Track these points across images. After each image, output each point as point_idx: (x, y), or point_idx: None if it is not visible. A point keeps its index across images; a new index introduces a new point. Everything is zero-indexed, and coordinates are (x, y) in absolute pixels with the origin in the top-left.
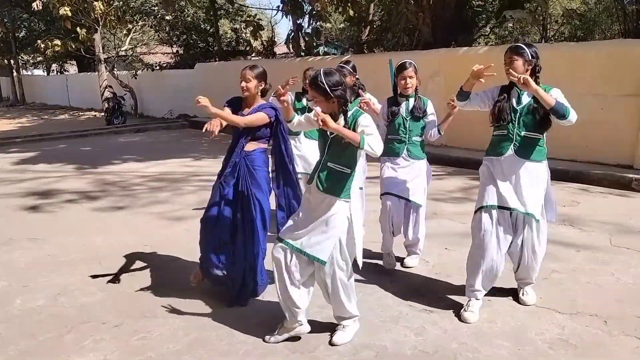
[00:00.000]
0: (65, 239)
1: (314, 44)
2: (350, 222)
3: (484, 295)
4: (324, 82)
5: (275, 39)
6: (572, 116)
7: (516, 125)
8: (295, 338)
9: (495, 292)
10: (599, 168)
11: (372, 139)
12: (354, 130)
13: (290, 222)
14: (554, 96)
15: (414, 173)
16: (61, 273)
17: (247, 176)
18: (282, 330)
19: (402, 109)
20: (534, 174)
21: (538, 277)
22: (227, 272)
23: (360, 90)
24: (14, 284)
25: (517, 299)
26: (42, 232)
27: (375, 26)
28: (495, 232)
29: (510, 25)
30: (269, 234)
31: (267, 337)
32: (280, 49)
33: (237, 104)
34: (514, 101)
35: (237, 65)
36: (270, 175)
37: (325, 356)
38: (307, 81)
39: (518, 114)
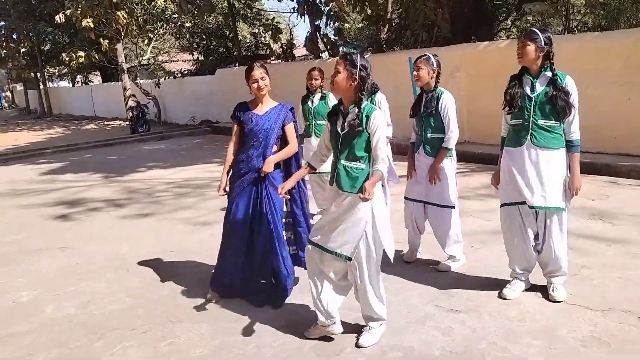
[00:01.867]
0: (93, 247)
1: (336, 44)
2: (373, 215)
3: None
4: (357, 59)
5: (295, 42)
6: (579, 135)
7: (531, 114)
8: (326, 339)
9: (523, 290)
10: (628, 159)
11: (382, 166)
12: (367, 126)
13: (318, 222)
14: (569, 86)
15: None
16: (90, 281)
17: (264, 182)
18: (315, 330)
19: (422, 104)
20: (553, 162)
21: (568, 273)
22: (250, 277)
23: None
24: (44, 293)
25: (546, 296)
26: (70, 241)
27: (393, 24)
28: (518, 226)
29: (531, 17)
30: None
31: (306, 332)
32: (300, 51)
33: (245, 106)
34: (527, 89)
35: None
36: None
37: (352, 358)
38: (312, 81)
39: (533, 102)
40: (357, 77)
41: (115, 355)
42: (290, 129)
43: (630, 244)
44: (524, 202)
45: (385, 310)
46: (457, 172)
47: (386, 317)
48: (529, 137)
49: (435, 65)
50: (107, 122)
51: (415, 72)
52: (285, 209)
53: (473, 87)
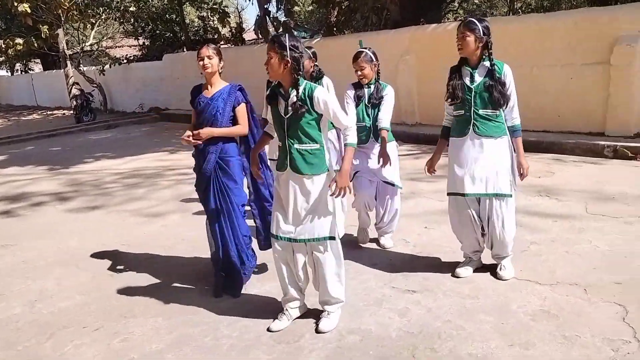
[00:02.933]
0: (40, 243)
1: (286, 27)
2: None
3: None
4: (285, 40)
5: (244, 26)
6: (520, 122)
7: (472, 105)
8: (280, 329)
9: (476, 268)
10: (572, 137)
11: (348, 126)
12: (312, 106)
13: (277, 216)
14: (507, 74)
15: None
16: (37, 278)
17: (219, 169)
18: (285, 317)
19: (365, 95)
20: (497, 150)
21: (516, 250)
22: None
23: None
24: None
25: (495, 274)
26: (15, 238)
27: (343, 7)
28: (466, 215)
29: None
30: None
31: (270, 326)
32: (249, 35)
33: (197, 90)
34: (467, 80)
35: None
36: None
37: (311, 344)
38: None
39: (473, 92)
40: (289, 58)
41: (66, 355)
42: (241, 110)
43: (575, 219)
44: (472, 194)
45: (344, 292)
46: (409, 154)
47: (344, 298)
48: (471, 127)
49: (374, 59)
50: (50, 112)
51: (359, 73)
52: (247, 196)
53: (423, 69)
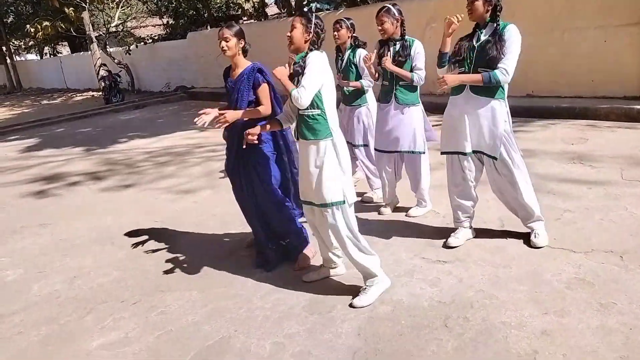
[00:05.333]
0: (76, 222)
1: (305, 1)
2: (338, 158)
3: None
4: (312, 16)
5: (266, 0)
6: (502, 77)
7: (472, 63)
8: (316, 297)
9: (508, 237)
10: (606, 102)
11: (299, 90)
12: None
13: (300, 183)
14: (509, 33)
15: (403, 121)
16: (75, 256)
17: (248, 152)
18: (321, 271)
19: (390, 53)
20: (492, 111)
21: (550, 218)
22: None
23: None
24: (29, 271)
25: (529, 242)
26: (52, 217)
27: None
28: (458, 173)
29: None
30: None
31: (304, 277)
32: (272, 9)
33: (227, 72)
34: (474, 40)
35: None
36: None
37: (343, 315)
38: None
39: (475, 51)
40: (312, 31)
41: (106, 328)
42: (262, 91)
43: (610, 185)
44: (463, 152)
45: (376, 262)
46: (437, 124)
47: (378, 272)
48: (468, 85)
49: (397, 14)
50: (80, 94)
51: (379, 27)
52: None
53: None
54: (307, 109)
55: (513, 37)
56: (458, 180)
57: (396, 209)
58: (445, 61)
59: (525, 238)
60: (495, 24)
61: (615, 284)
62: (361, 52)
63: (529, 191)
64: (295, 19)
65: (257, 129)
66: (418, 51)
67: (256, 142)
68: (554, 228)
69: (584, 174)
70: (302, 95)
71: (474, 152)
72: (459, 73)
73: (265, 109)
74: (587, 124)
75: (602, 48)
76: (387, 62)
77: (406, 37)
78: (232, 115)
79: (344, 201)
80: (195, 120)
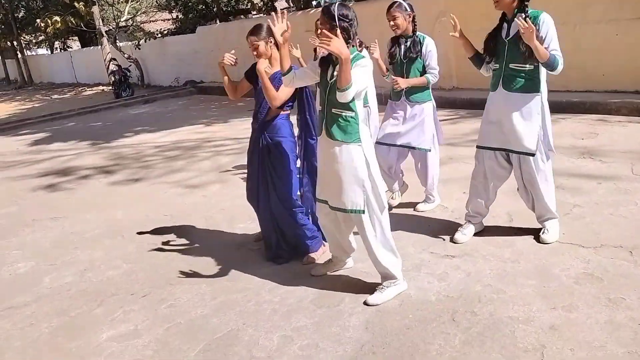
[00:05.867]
0: (86, 215)
1: None
2: (368, 165)
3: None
4: (335, 10)
5: None
6: (559, 67)
7: (505, 57)
8: (325, 291)
9: (516, 232)
10: (617, 97)
11: (354, 87)
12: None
13: (318, 179)
14: (543, 23)
15: (414, 117)
16: (85, 249)
17: (267, 153)
18: (330, 265)
19: (401, 50)
20: (526, 107)
21: (559, 213)
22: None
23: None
24: (41, 264)
25: (538, 238)
26: (63, 210)
27: None
28: (483, 169)
29: None
30: None
31: (312, 271)
32: (282, 3)
33: (253, 69)
34: (503, 33)
35: (239, 25)
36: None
37: (351, 308)
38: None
39: (506, 45)
40: (338, 29)
41: (116, 321)
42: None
43: (620, 180)
44: (490, 148)
45: (398, 265)
46: (447, 119)
47: (399, 275)
48: (501, 82)
49: (409, 10)
50: (90, 88)
51: (392, 23)
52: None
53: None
54: (340, 108)
55: (550, 28)
56: (481, 175)
57: (404, 205)
58: (481, 62)
59: (535, 233)
60: (524, 15)
61: (624, 279)
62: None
63: (550, 191)
64: (320, 19)
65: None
66: (430, 49)
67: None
68: (563, 223)
69: (594, 169)
70: (350, 90)
71: (504, 150)
72: (494, 68)
73: (276, 97)
74: (597, 118)
75: (613, 42)
76: (401, 82)
77: (417, 33)
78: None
79: (364, 211)
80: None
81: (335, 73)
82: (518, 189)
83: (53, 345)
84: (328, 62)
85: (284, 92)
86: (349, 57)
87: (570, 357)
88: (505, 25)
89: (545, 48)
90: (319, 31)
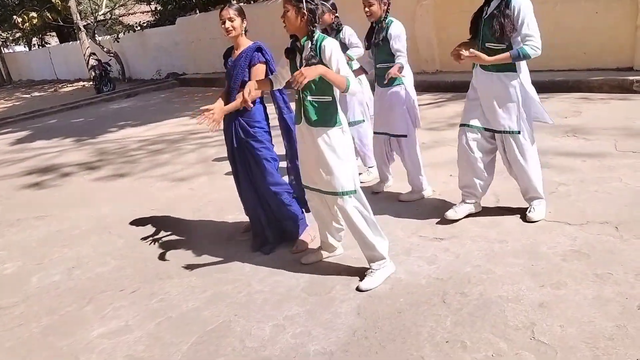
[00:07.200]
0: (72, 213)
1: None
2: (349, 147)
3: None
4: None
5: None
6: (533, 53)
7: (481, 37)
8: (315, 278)
9: (503, 212)
10: (599, 74)
11: (353, 81)
12: (321, 57)
13: (301, 168)
14: (518, 5)
15: (387, 102)
16: (73, 247)
17: (243, 136)
18: (319, 253)
19: (375, 35)
20: (504, 87)
21: (544, 192)
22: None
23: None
24: (28, 263)
25: (524, 217)
26: (48, 208)
27: None
28: (467, 148)
29: None
30: None
31: (302, 259)
32: None
33: (228, 52)
34: (484, 13)
35: (219, 15)
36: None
37: (342, 295)
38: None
39: (483, 25)
40: (305, 10)
41: (106, 317)
42: (255, 70)
43: (604, 157)
44: (475, 126)
45: (385, 246)
46: (431, 103)
47: (386, 255)
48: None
49: None
50: (70, 84)
51: (367, 9)
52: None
53: (442, 15)
54: (317, 95)
55: (525, 9)
56: (465, 153)
57: (392, 190)
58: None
59: (521, 212)
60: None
61: (610, 254)
62: (348, 31)
63: (535, 169)
64: (285, 1)
65: (254, 93)
66: (392, 32)
67: (251, 105)
68: (549, 201)
69: (578, 147)
70: (356, 86)
71: (485, 129)
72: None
73: (251, 93)
74: (580, 96)
75: (594, 20)
76: (394, 70)
77: (388, 18)
78: (219, 112)
79: (356, 190)
80: (198, 122)
81: (303, 61)
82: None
83: (44, 345)
84: (294, 50)
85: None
86: (325, 70)
87: (559, 333)
88: (485, 6)
89: (516, 32)
90: (283, 15)
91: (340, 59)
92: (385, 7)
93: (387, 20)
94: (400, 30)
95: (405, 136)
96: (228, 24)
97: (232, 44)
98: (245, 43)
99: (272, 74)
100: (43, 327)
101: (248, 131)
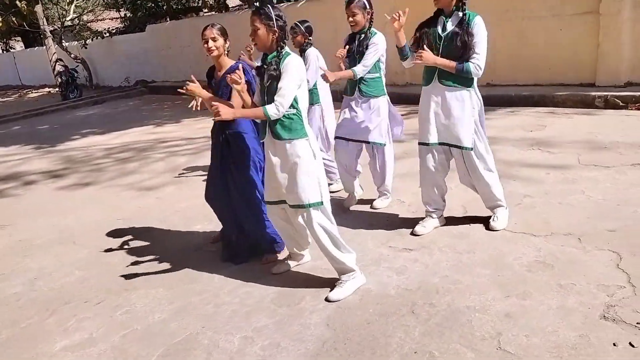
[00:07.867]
0: (35, 222)
1: None
2: (316, 158)
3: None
4: (270, 11)
5: None
6: (475, 72)
7: (440, 53)
8: (285, 290)
9: (471, 222)
10: (563, 89)
11: (278, 101)
12: (281, 71)
13: (266, 184)
14: (476, 25)
15: (368, 112)
16: (35, 257)
17: (227, 147)
18: (289, 263)
19: (355, 46)
20: (459, 102)
21: (510, 204)
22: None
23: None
24: None
25: (488, 225)
26: (10, 218)
27: None
28: (429, 165)
29: None
30: None
31: (273, 269)
32: (234, 1)
33: (211, 71)
34: (439, 29)
35: (190, 23)
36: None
37: (312, 306)
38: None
39: (442, 41)
40: (275, 28)
41: (69, 330)
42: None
43: (568, 170)
44: (428, 143)
45: (353, 258)
46: (402, 115)
47: (355, 267)
48: (436, 76)
49: (368, 7)
50: (35, 91)
51: (350, 19)
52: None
53: (411, 30)
54: None
55: (481, 31)
56: (428, 171)
57: (361, 202)
58: (407, 53)
59: (487, 223)
60: (462, 13)
61: (573, 265)
62: (313, 52)
63: (493, 179)
64: (254, 19)
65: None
66: (373, 42)
67: (239, 82)
68: (514, 213)
69: (542, 160)
70: (281, 109)
71: (441, 144)
72: (428, 65)
73: (234, 111)
74: (545, 111)
75: (558, 36)
76: (329, 75)
77: (372, 29)
78: (226, 112)
79: (322, 202)
80: (189, 105)
81: (267, 77)
82: (460, 180)
83: (5, 358)
84: (261, 69)
85: (237, 102)
86: (241, 112)
87: (525, 343)
88: (442, 20)
89: (470, 50)
90: (253, 34)
91: (291, 78)
92: (369, 17)
93: (370, 31)
94: (381, 41)
95: (385, 145)
96: (211, 43)
97: (206, 57)
98: (227, 63)
99: (253, 94)
100: (4, 340)
101: (235, 139)
